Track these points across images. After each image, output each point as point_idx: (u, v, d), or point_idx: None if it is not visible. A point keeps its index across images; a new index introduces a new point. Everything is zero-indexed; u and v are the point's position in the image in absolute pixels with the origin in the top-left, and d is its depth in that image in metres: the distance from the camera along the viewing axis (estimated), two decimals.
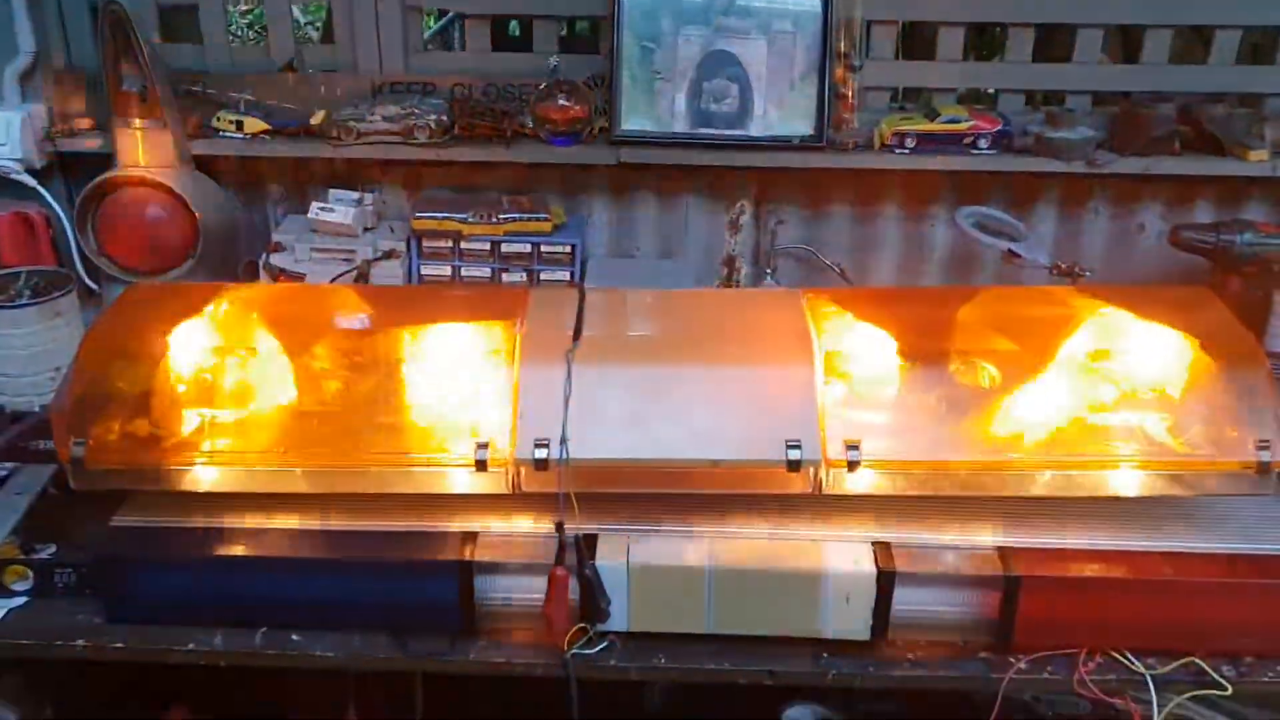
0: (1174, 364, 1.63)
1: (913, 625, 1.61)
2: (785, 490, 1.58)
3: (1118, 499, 1.63)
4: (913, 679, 1.61)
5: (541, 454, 1.55)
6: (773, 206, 2.66)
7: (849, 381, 1.63)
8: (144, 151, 2.44)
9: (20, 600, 1.67)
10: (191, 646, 1.62)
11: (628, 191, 2.65)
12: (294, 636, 1.63)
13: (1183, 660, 1.57)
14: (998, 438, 1.60)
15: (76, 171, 2.60)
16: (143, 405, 1.64)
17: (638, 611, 1.61)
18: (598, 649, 1.61)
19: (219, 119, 2.55)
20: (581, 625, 1.60)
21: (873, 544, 1.61)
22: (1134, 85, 2.54)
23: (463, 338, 1.68)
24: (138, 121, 2.42)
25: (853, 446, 1.55)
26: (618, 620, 1.61)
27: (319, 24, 5.03)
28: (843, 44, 2.48)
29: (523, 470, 1.57)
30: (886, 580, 1.58)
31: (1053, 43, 2.60)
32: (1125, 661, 1.59)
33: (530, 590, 1.60)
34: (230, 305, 1.74)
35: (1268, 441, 1.55)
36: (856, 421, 1.59)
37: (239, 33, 6.28)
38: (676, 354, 1.67)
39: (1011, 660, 1.59)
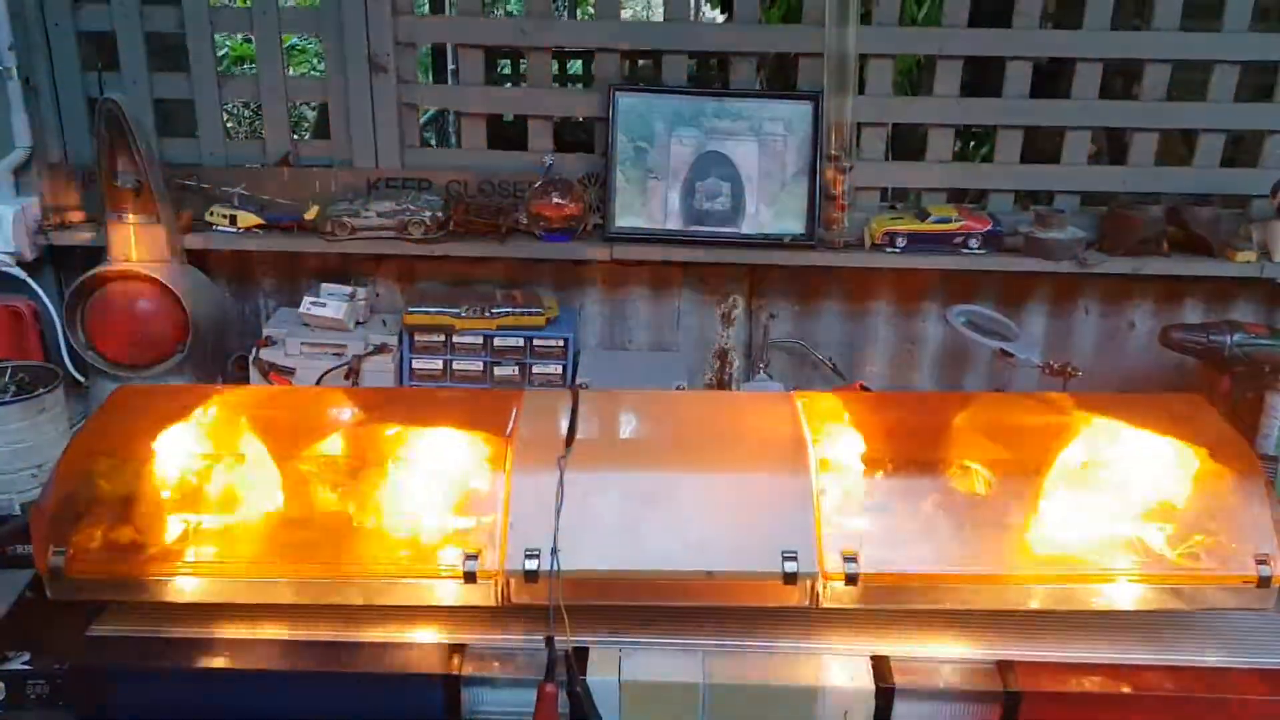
0: (1171, 475, 1.62)
1: None
2: (781, 603, 1.55)
3: (1117, 612, 1.60)
4: None
5: (532, 565, 1.52)
6: (765, 301, 2.67)
7: (845, 491, 1.61)
8: (136, 246, 2.44)
9: None
10: None
11: (621, 286, 2.65)
12: None
13: None
14: (997, 550, 1.58)
15: (68, 265, 2.61)
16: (125, 513, 1.60)
17: None
18: None
19: (212, 213, 2.56)
20: None
21: (871, 658, 1.58)
22: (1121, 186, 2.57)
23: (453, 444, 1.66)
24: (131, 216, 2.42)
25: (850, 559, 1.53)
26: None
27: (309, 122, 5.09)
28: (833, 146, 2.51)
29: (512, 582, 1.55)
30: (885, 697, 1.54)
31: (1041, 144, 2.63)
32: None
33: (519, 705, 1.56)
34: (217, 410, 1.72)
35: (1267, 555, 1.53)
36: (853, 532, 1.57)
37: (236, 125, 6.36)
38: (670, 462, 1.65)
39: None
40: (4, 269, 2.53)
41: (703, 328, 2.69)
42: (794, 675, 1.56)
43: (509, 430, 1.66)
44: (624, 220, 2.53)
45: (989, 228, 2.49)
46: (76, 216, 2.61)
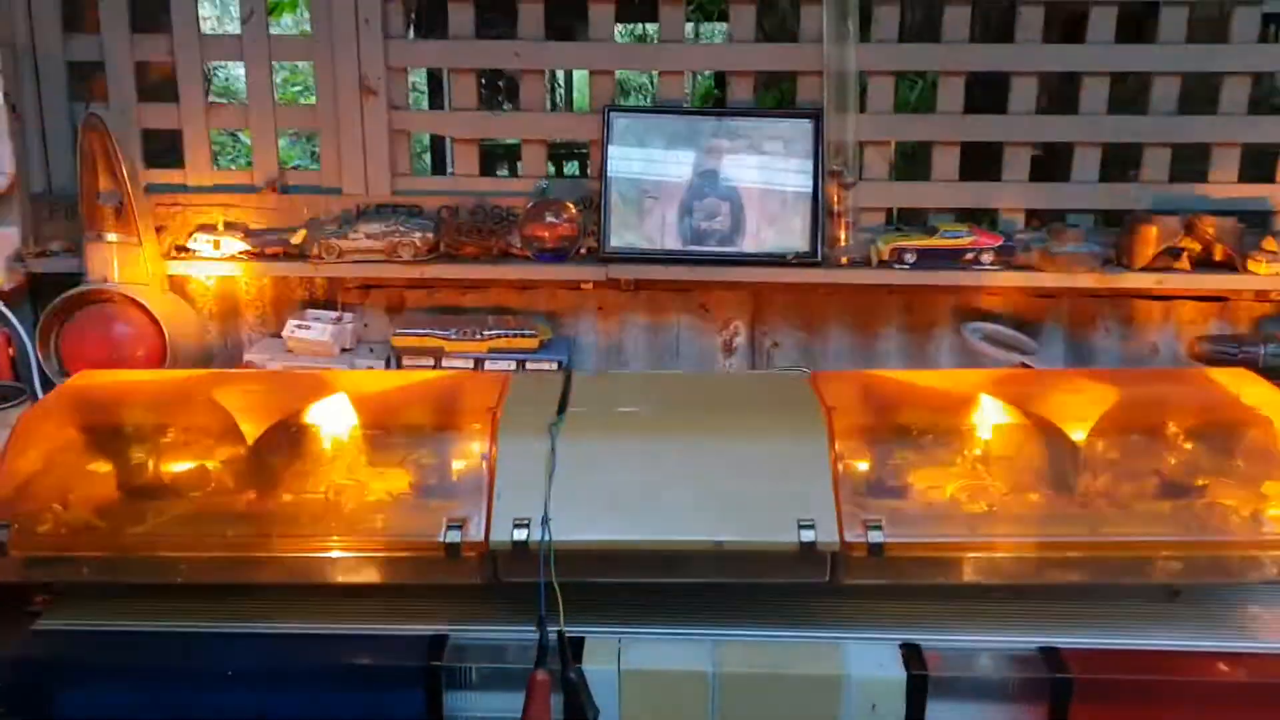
0: (1215, 440, 1.48)
1: None
2: (798, 579, 1.40)
3: (1165, 589, 1.44)
4: None
5: (521, 535, 1.37)
6: (767, 328, 2.56)
7: (865, 456, 1.47)
8: (115, 267, 2.34)
9: None
10: None
11: (617, 313, 2.55)
12: None
13: None
14: (1035, 517, 1.43)
15: (46, 294, 2.50)
16: (75, 489, 1.47)
17: None
18: None
19: (195, 238, 2.47)
20: None
21: (901, 645, 1.42)
22: (1134, 204, 2.49)
23: (436, 415, 1.52)
24: (111, 235, 2.33)
25: (875, 527, 1.38)
26: None
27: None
28: (834, 162, 2.44)
29: (499, 556, 1.39)
30: (918, 685, 1.38)
31: (1051, 162, 2.56)
32: None
33: (507, 701, 1.39)
34: (181, 389, 1.59)
35: None
36: (876, 500, 1.42)
37: (221, 151, 6.30)
38: (673, 429, 1.52)
39: None
40: None
41: (703, 357, 2.57)
42: (814, 664, 1.40)
43: (497, 400, 1.53)
44: (620, 240, 2.44)
45: (1002, 243, 2.40)
46: (56, 246, 2.52)
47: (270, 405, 1.54)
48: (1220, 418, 1.51)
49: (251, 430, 1.49)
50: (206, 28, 2.53)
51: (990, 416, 1.53)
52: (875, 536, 1.38)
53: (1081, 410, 1.52)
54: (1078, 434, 1.49)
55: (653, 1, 2.49)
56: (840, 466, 1.43)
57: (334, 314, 2.45)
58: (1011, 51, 2.44)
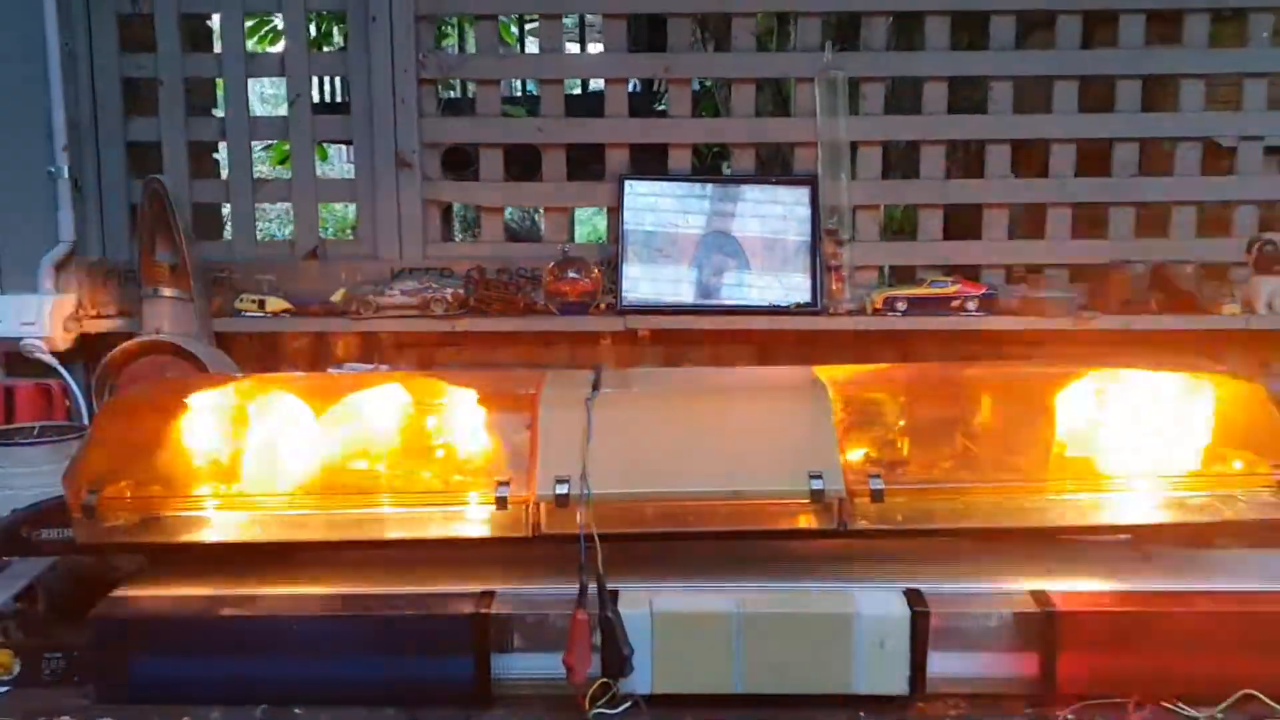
0: (1186, 403, 1.66)
1: (952, 678, 1.52)
2: (809, 524, 1.55)
3: (1156, 531, 1.60)
4: None
5: (562, 490, 1.53)
6: None
7: (866, 420, 1.65)
8: (169, 321, 2.54)
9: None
10: None
11: (635, 364, 2.74)
12: (296, 710, 1.52)
13: (1239, 695, 1.47)
14: (1024, 466, 1.60)
15: (97, 353, 2.69)
16: (157, 465, 1.62)
17: (661, 669, 1.51)
18: (620, 710, 1.50)
19: (241, 300, 2.68)
20: (604, 681, 1.50)
21: (905, 590, 1.56)
22: (1104, 256, 2.71)
23: (484, 398, 1.70)
24: (166, 291, 2.53)
25: (875, 476, 1.54)
26: (640, 682, 1.51)
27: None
28: (830, 223, 2.68)
29: (543, 508, 1.55)
30: (921, 622, 1.51)
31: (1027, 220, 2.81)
32: (1177, 710, 1.50)
33: (551, 651, 1.51)
34: (256, 383, 1.77)
35: None
36: (877, 455, 1.59)
37: (265, 227, 6.53)
38: (695, 404, 1.69)
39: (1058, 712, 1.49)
40: (38, 354, 2.62)
41: None
42: (827, 605, 1.53)
43: (538, 387, 1.70)
44: (635, 295, 2.66)
45: (985, 291, 2.62)
46: (110, 310, 2.72)
47: (332, 392, 1.72)
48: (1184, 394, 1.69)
49: (316, 411, 1.66)
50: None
51: (973, 390, 1.72)
52: (875, 484, 1.53)
53: (1056, 383, 1.70)
54: (1052, 401, 1.67)
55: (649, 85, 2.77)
56: (842, 429, 1.60)
57: (370, 366, 2.63)
58: (986, 121, 2.71)
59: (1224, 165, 2.75)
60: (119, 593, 1.61)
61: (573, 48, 6.12)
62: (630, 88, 5.47)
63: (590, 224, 8.18)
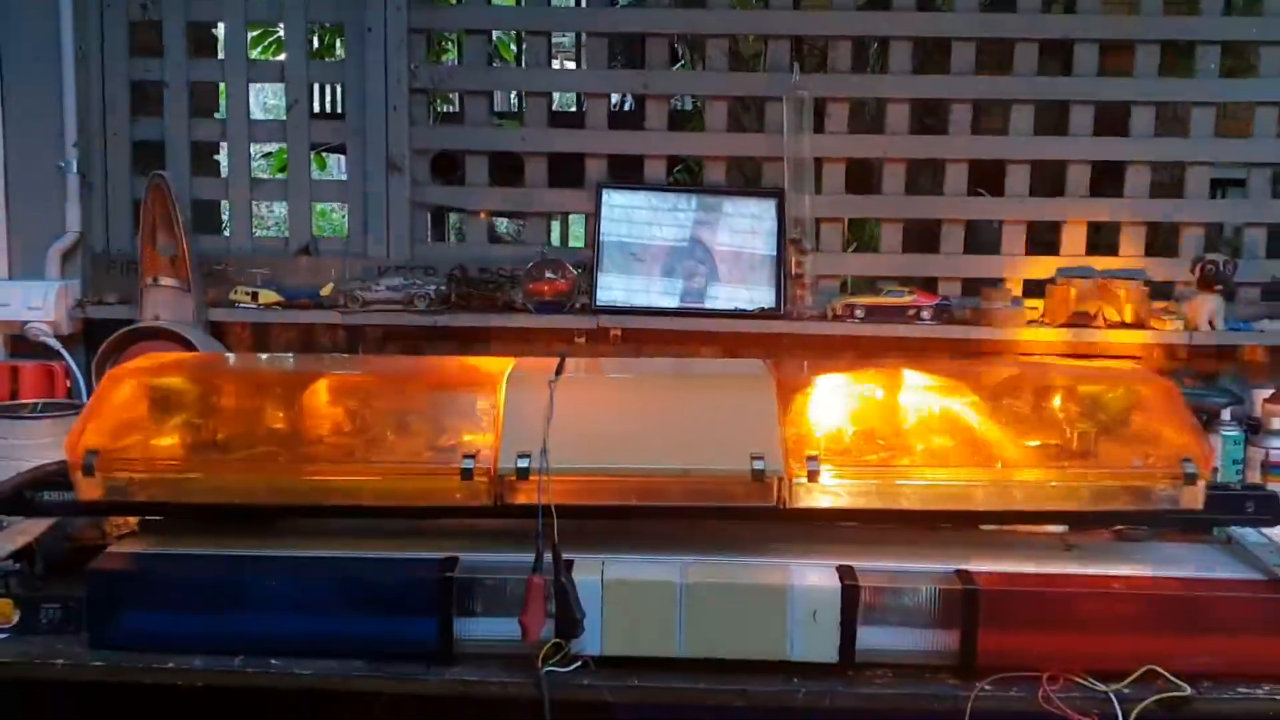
0: (1106, 400, 1.81)
1: (880, 649, 1.66)
2: (751, 502, 1.69)
3: (1071, 519, 1.74)
4: (881, 697, 1.63)
5: (524, 463, 1.67)
6: None
7: (805, 410, 1.78)
8: (167, 310, 2.68)
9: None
10: (171, 665, 1.64)
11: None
12: (273, 661, 1.66)
13: (1145, 669, 1.61)
14: (952, 454, 1.74)
15: (99, 338, 2.83)
16: (152, 430, 1.76)
17: (610, 632, 1.65)
18: (571, 668, 1.63)
19: (236, 292, 2.82)
20: (556, 641, 1.64)
21: (838, 567, 1.70)
22: (1055, 272, 2.86)
23: (454, 379, 1.84)
24: (166, 281, 2.68)
25: (812, 458, 1.68)
26: (590, 643, 1.65)
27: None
28: (794, 233, 2.83)
29: (505, 480, 1.68)
30: (851, 595, 1.64)
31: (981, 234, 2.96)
32: (1088, 684, 1.62)
33: (509, 615, 1.64)
34: (243, 361, 1.91)
35: (1191, 458, 1.69)
36: (814, 439, 1.74)
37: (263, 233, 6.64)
38: (650, 389, 1.83)
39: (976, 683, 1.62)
40: (42, 337, 2.76)
41: None
42: (766, 577, 1.66)
43: (505, 370, 1.84)
44: (609, 296, 2.81)
45: (938, 301, 2.77)
46: (111, 298, 2.86)
47: (314, 372, 1.86)
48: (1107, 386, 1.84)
49: (299, 387, 1.81)
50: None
51: (909, 383, 1.86)
52: (813, 465, 1.68)
53: (987, 377, 1.85)
54: (982, 394, 1.81)
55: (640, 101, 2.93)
56: (784, 416, 1.74)
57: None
58: (945, 141, 2.87)
59: (1171, 187, 2.91)
60: (113, 549, 1.75)
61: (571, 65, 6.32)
62: (625, 104, 5.74)
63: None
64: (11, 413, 2.32)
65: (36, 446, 2.24)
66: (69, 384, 2.73)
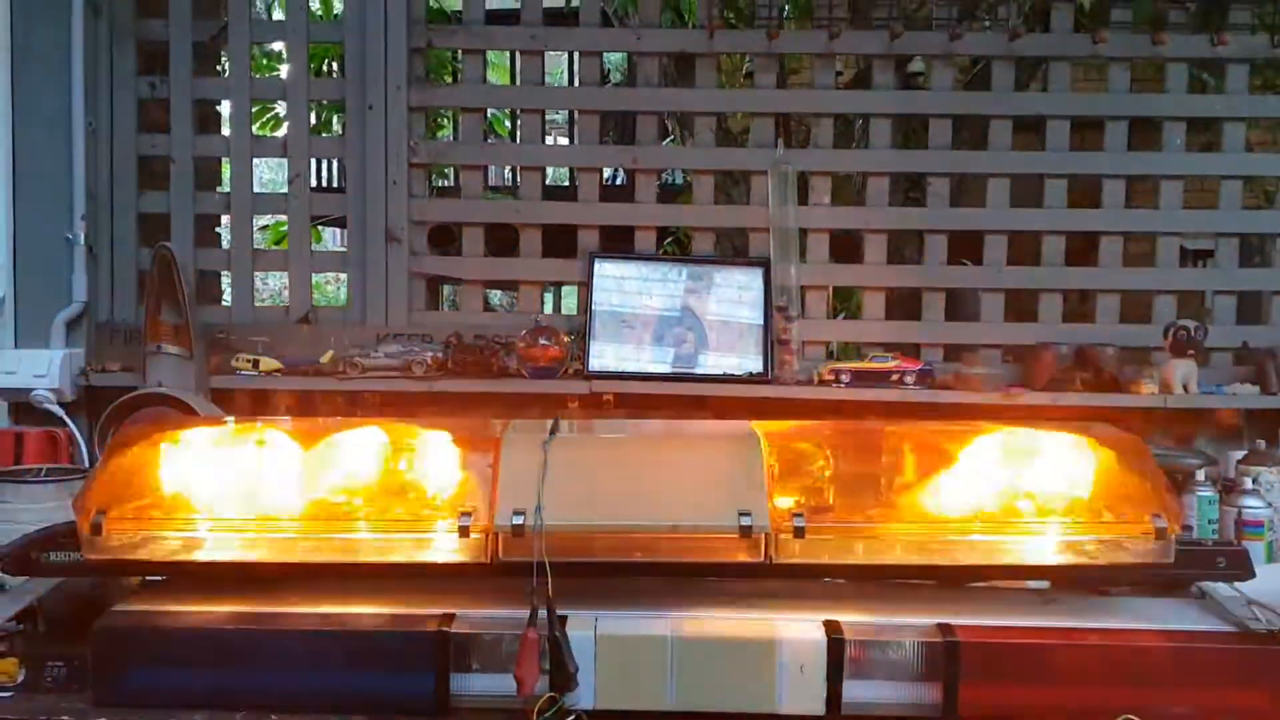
0: (1080, 459, 1.88)
1: (865, 701, 1.70)
2: (739, 558, 1.75)
3: (1048, 573, 1.80)
4: None
5: (519, 520, 1.73)
6: None
7: (791, 469, 1.85)
8: (170, 376, 2.75)
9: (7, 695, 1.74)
10: None
11: None
12: (273, 717, 1.70)
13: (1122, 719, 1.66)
14: (933, 512, 1.81)
15: (102, 404, 2.89)
16: (157, 493, 1.82)
17: (603, 686, 1.70)
18: None
19: (238, 359, 2.89)
20: (551, 695, 1.68)
21: (824, 622, 1.75)
22: (1033, 338, 2.95)
23: (451, 440, 1.91)
24: (169, 349, 2.75)
25: (798, 514, 1.75)
26: (584, 697, 1.69)
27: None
28: (780, 300, 2.92)
29: (501, 538, 1.74)
30: (836, 649, 1.70)
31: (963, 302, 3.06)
32: None
33: (505, 671, 1.69)
34: (243, 424, 1.98)
35: (1160, 513, 1.76)
36: (800, 498, 1.80)
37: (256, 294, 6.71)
38: (641, 449, 1.90)
39: None
40: (46, 404, 2.82)
41: None
42: (754, 631, 1.72)
43: (500, 432, 1.91)
44: (601, 362, 2.88)
45: (921, 367, 2.85)
46: (115, 366, 2.93)
47: (317, 433, 1.93)
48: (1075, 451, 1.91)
49: (302, 449, 1.87)
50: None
51: (892, 443, 1.93)
52: (798, 522, 1.74)
53: (965, 439, 1.92)
54: (962, 454, 1.89)
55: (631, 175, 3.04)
56: (771, 474, 1.81)
57: None
58: (925, 213, 2.98)
59: (1144, 258, 3.02)
60: (118, 608, 1.80)
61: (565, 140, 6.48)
62: (617, 178, 5.88)
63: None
64: (15, 477, 2.37)
65: (40, 510, 2.29)
66: (72, 450, 2.79)
